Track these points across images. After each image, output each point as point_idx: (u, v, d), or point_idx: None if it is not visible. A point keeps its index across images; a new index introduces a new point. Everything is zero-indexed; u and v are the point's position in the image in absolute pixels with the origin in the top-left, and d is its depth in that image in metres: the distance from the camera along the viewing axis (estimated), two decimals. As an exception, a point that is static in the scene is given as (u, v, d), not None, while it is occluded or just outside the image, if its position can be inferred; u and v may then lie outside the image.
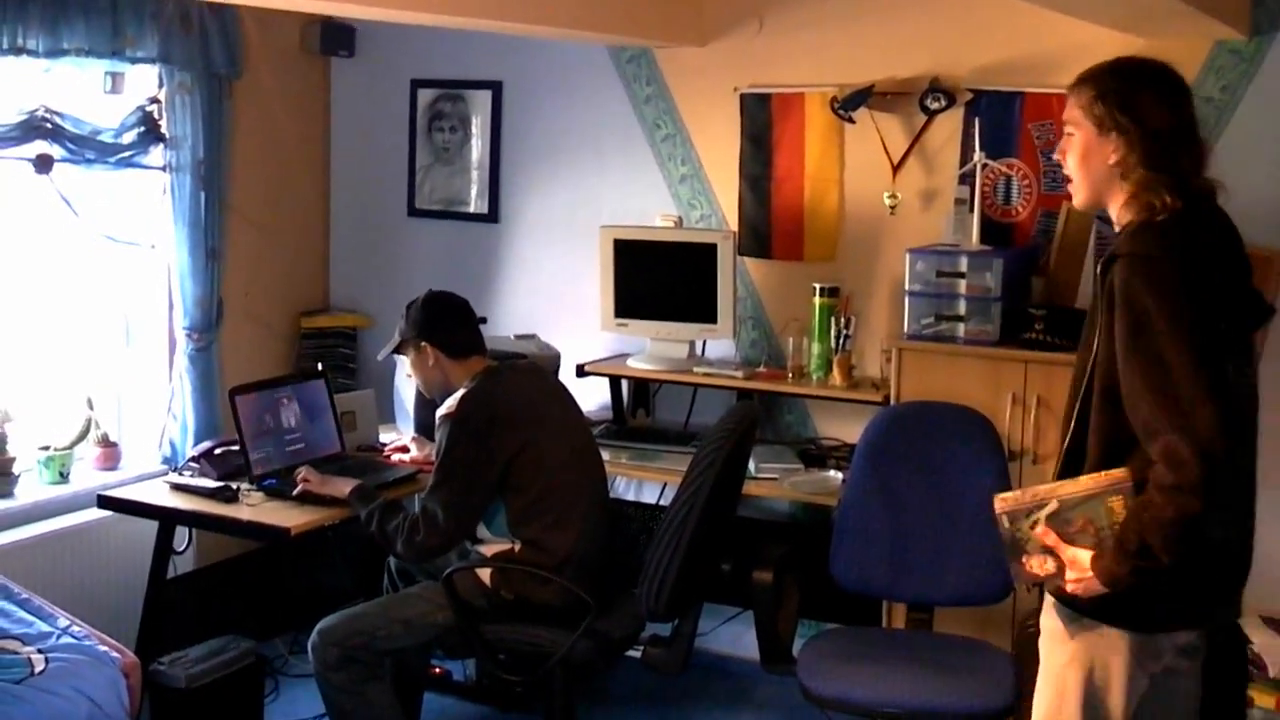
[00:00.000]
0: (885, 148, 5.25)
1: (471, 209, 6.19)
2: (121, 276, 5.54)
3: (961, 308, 4.77)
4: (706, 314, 5.41)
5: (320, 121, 6.40)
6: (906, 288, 4.87)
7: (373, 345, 6.03)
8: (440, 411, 4.35)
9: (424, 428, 5.14)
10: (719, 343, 5.57)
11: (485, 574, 4.31)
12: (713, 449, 4.13)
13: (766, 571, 4.29)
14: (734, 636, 5.55)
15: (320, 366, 5.51)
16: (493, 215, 6.14)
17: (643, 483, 5.70)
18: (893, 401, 4.82)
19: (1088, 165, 3.00)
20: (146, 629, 4.79)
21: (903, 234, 5.20)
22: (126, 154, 5.24)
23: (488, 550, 4.38)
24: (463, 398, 4.33)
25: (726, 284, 5.36)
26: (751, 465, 4.85)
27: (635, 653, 4.45)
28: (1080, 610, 2.91)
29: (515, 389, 4.45)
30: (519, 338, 5.57)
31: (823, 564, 4.52)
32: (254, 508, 4.62)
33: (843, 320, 5.20)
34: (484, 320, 4.73)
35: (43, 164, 4.92)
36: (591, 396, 5.67)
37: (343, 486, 4.54)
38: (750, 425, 4.37)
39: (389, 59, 6.28)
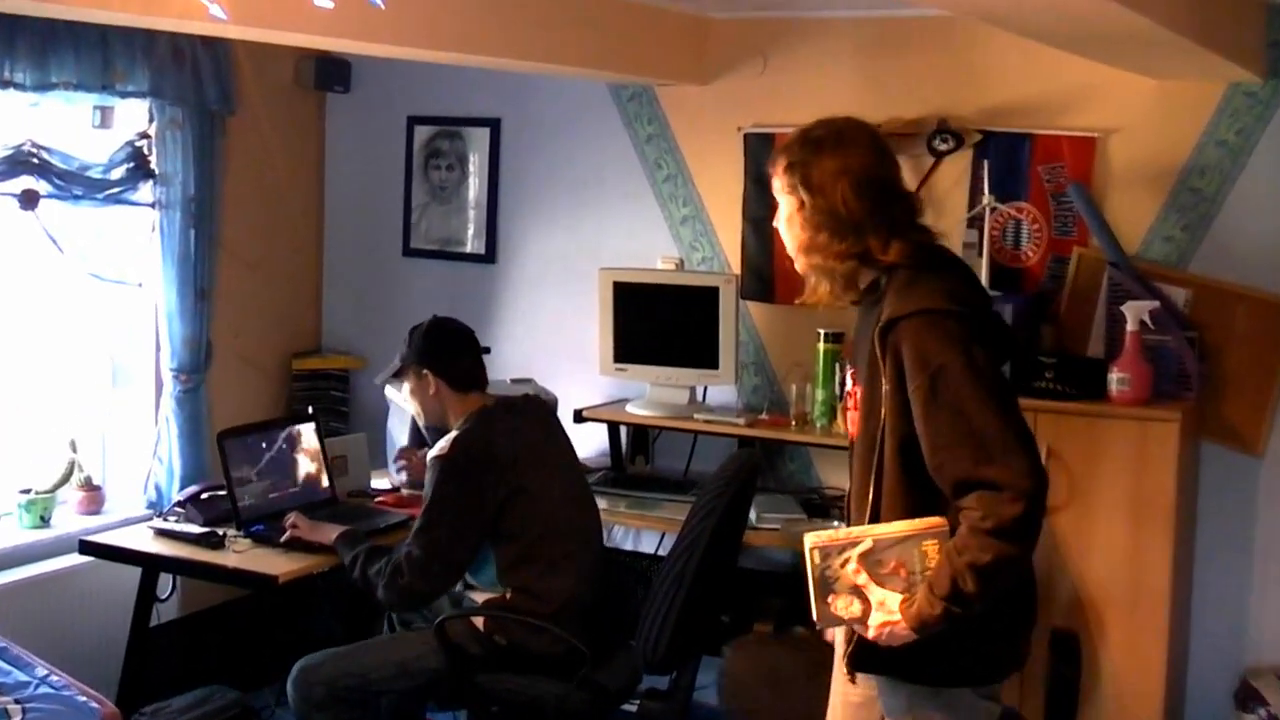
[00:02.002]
0: (892, 190, 5.25)
1: (468, 249, 6.19)
2: (108, 316, 5.53)
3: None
4: (708, 359, 5.41)
5: (314, 158, 6.41)
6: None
7: (366, 388, 6.03)
8: (432, 453, 4.34)
9: (414, 439, 5.14)
10: (720, 389, 5.56)
11: (479, 619, 4.29)
12: (713, 497, 4.12)
13: (767, 624, 4.27)
14: (734, 691, 5.51)
15: (311, 409, 5.49)
16: (490, 256, 6.15)
17: (641, 531, 5.68)
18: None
19: (793, 232, 3.01)
20: (128, 679, 4.76)
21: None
22: (115, 190, 5.24)
23: (479, 598, 4.36)
24: (455, 440, 4.32)
25: (728, 328, 5.36)
26: (752, 514, 4.82)
27: (631, 706, 4.42)
28: (906, 676, 2.91)
29: (510, 432, 4.43)
30: (515, 382, 5.55)
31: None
32: (241, 554, 4.60)
33: (848, 367, 5.17)
34: (487, 350, 4.72)
35: (28, 200, 4.91)
36: (589, 443, 5.66)
37: (331, 532, 4.52)
38: (751, 473, 4.36)
39: (385, 95, 6.29)
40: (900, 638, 2.79)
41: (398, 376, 4.63)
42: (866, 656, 2.92)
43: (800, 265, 3.01)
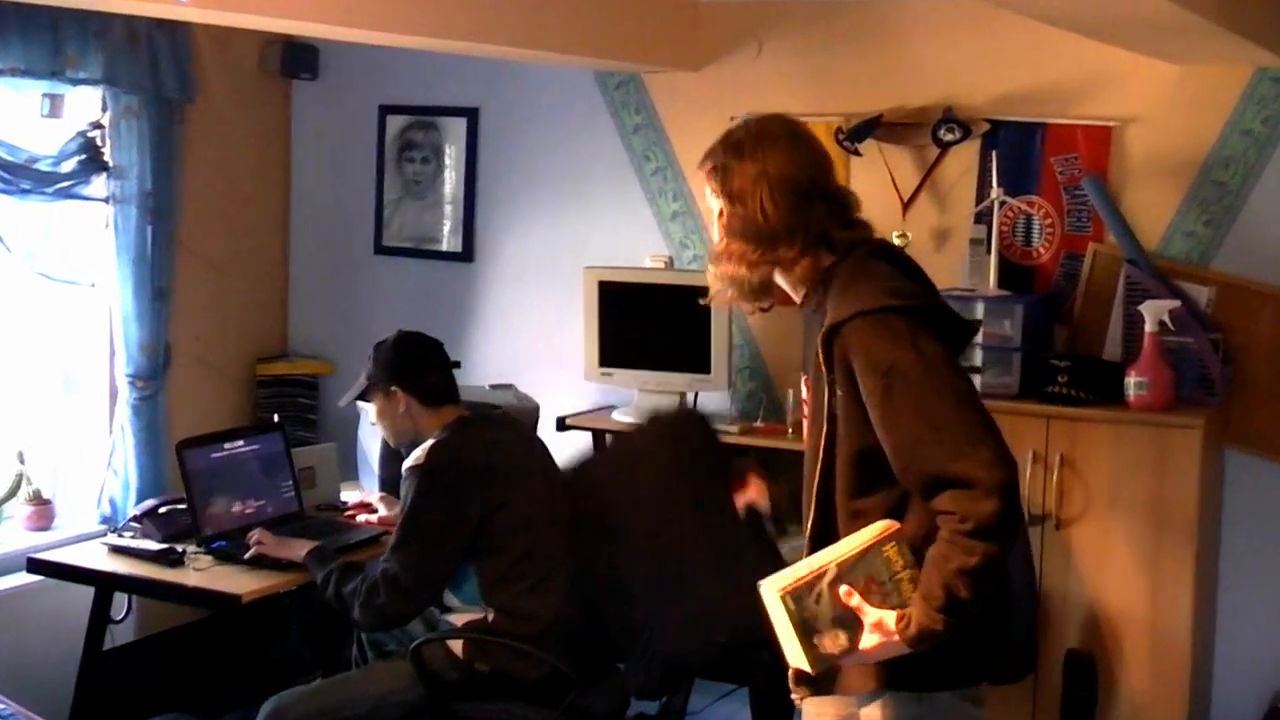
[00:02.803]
0: (894, 183, 5.25)
1: (444, 247, 6.18)
2: (59, 318, 5.50)
3: (978, 358, 4.76)
4: (699, 363, 5.40)
5: (280, 150, 6.39)
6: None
7: (335, 394, 5.98)
8: (407, 463, 4.31)
9: (390, 484, 5.09)
10: (713, 394, 5.55)
11: (458, 644, 4.26)
12: (705, 510, 4.08)
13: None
14: (728, 716, 5.49)
15: (277, 418, 5.47)
16: (467, 254, 6.13)
17: (629, 547, 5.64)
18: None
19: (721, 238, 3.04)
20: (80, 706, 4.72)
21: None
22: (65, 184, 5.21)
23: (459, 620, 4.33)
24: (432, 448, 4.29)
25: (721, 330, 5.35)
26: (748, 528, 4.79)
27: (620, 734, 4.40)
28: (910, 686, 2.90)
29: (491, 441, 4.42)
30: (495, 388, 5.54)
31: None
32: (202, 572, 4.56)
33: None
34: (458, 364, 4.71)
35: (-28, 195, 4.90)
36: (573, 452, 5.60)
37: (299, 549, 4.49)
38: (746, 485, 4.32)
39: (355, 82, 6.28)
40: (894, 653, 2.78)
41: (363, 397, 4.60)
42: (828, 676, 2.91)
43: (712, 270, 3.03)
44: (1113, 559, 4.58)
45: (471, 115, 6.09)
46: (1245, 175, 4.83)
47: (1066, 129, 5.03)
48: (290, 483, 5.11)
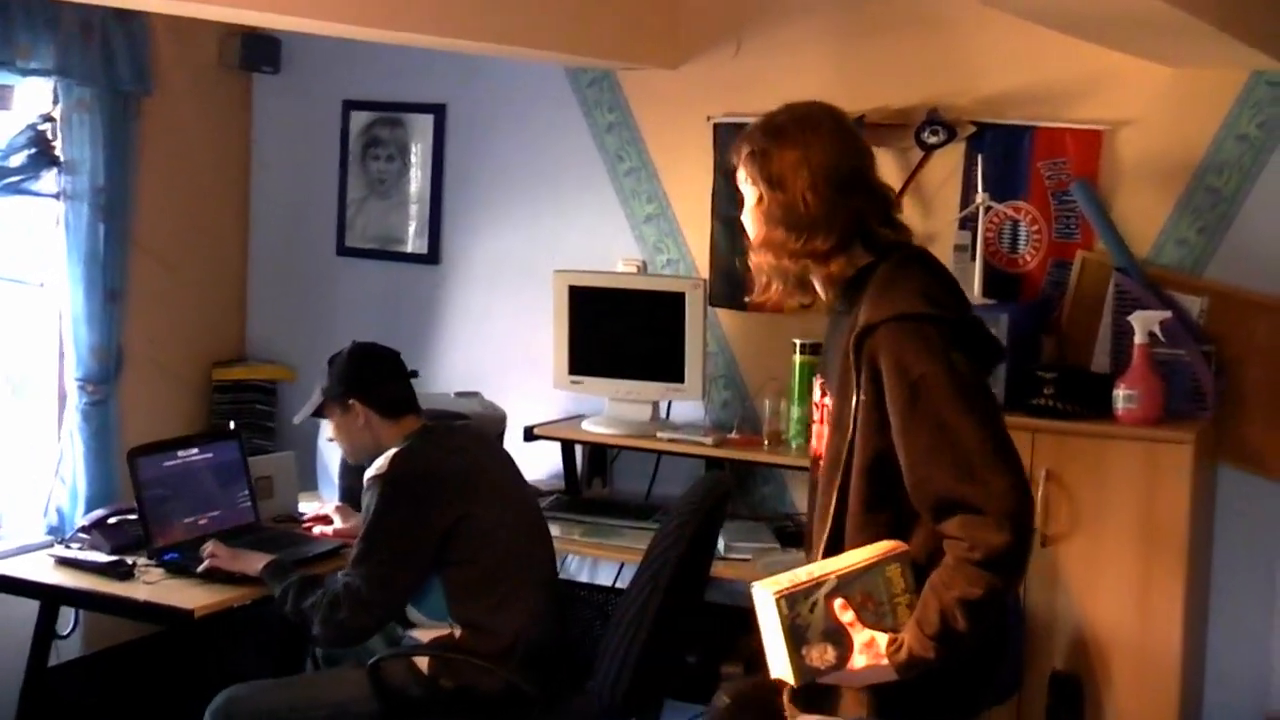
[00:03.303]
0: (877, 186, 5.23)
1: (409, 248, 6.17)
2: (6, 319, 5.47)
3: (961, 368, 4.72)
4: (673, 372, 5.38)
5: (239, 146, 6.37)
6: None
7: (294, 401, 5.96)
8: (369, 472, 4.29)
9: (350, 496, 5.08)
10: (686, 404, 5.53)
11: (423, 659, 4.24)
12: (677, 525, 4.09)
13: (736, 664, 4.26)
14: (700, 739, 5.49)
15: (234, 425, 5.44)
16: (433, 256, 6.12)
17: (598, 562, 5.66)
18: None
19: (754, 226, 3.03)
20: (24, 725, 4.70)
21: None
22: (14, 179, 5.19)
23: (423, 635, 4.31)
24: (395, 456, 4.27)
25: (696, 338, 5.33)
26: (721, 544, 4.80)
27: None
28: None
29: (456, 449, 4.41)
30: (460, 395, 5.52)
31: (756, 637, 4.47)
32: (152, 586, 4.54)
33: (817, 377, 5.14)
34: (415, 374, 4.69)
35: (-84, 189, 4.88)
36: (541, 463, 5.63)
37: (255, 561, 4.47)
38: (720, 498, 4.34)
39: (319, 77, 6.26)
40: (880, 679, 2.78)
41: (320, 413, 4.59)
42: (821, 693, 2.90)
43: (752, 261, 3.03)
44: (1100, 578, 4.56)
45: (439, 112, 6.07)
46: (1240, 181, 4.83)
47: (1055, 132, 5.02)
48: (246, 493, 5.09)
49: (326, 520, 5.13)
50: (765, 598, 2.78)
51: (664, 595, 4.00)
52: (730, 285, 5.52)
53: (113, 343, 5.55)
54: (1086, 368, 4.87)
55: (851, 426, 2.88)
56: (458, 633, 4.25)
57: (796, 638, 2.77)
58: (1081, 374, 4.78)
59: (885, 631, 2.76)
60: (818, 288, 3.02)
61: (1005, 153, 5.09)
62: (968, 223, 5.05)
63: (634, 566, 4.21)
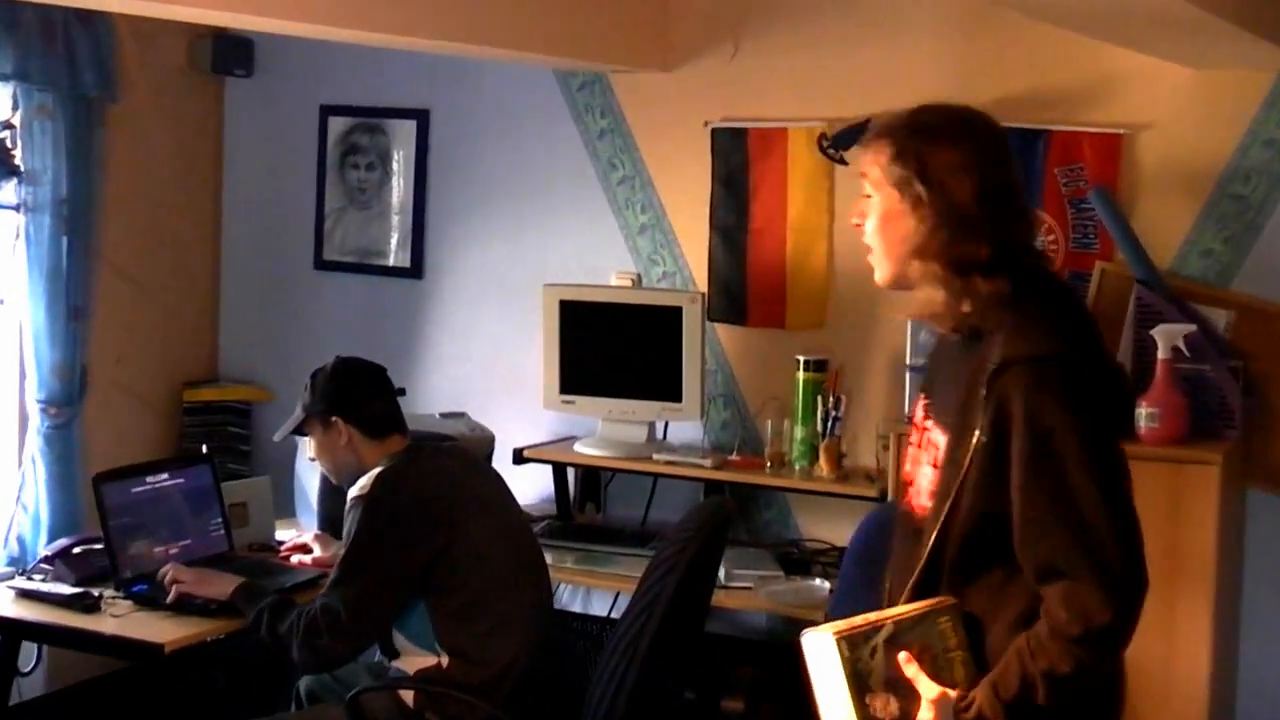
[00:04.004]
0: (884, 194, 5.23)
1: (391, 261, 6.17)
2: (-38, 338, 5.47)
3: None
4: (669, 390, 5.38)
5: (211, 155, 6.37)
6: (908, 362, 4.89)
7: (269, 423, 5.96)
8: (351, 493, 4.29)
9: (330, 523, 5.07)
10: (684, 425, 5.53)
11: (409, 692, 4.23)
12: (675, 551, 4.08)
13: (738, 700, 4.25)
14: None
15: (205, 449, 5.44)
16: (416, 270, 6.13)
17: (591, 591, 5.66)
18: (890, 497, 4.77)
19: (896, 233, 2.90)
20: (-16, 767, 4.68)
21: (904, 297, 5.12)
22: (-29, 190, 5.19)
23: (409, 666, 4.30)
24: (379, 476, 4.27)
25: (693, 355, 5.33)
26: (721, 572, 4.78)
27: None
28: None
29: (443, 470, 4.41)
30: (446, 416, 5.52)
31: (805, 691, 4.44)
32: (120, 619, 4.51)
33: (831, 400, 5.16)
34: (402, 392, 4.69)
35: None
36: (532, 487, 5.63)
37: (225, 585, 4.46)
38: (720, 524, 4.33)
39: (295, 81, 6.27)
40: None
41: (301, 431, 4.58)
42: None
43: (911, 272, 2.88)
44: (1121, 607, 4.54)
45: (422, 118, 6.07)
46: (1268, 188, 4.83)
47: (1072, 137, 5.02)
48: (220, 520, 5.06)
49: (305, 549, 5.11)
50: (823, 641, 2.73)
51: (660, 625, 3.98)
52: (729, 299, 5.52)
53: (77, 362, 5.54)
54: (1107, 384, 4.86)
55: (966, 464, 2.80)
56: (445, 662, 4.24)
57: (860, 684, 2.72)
58: (1102, 391, 4.77)
59: (947, 667, 2.74)
60: (941, 307, 2.89)
61: (1019, 159, 5.00)
62: (980, 232, 5.04)
63: (629, 595, 4.20)
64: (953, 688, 2.73)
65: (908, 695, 2.73)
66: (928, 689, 2.73)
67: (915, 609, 2.78)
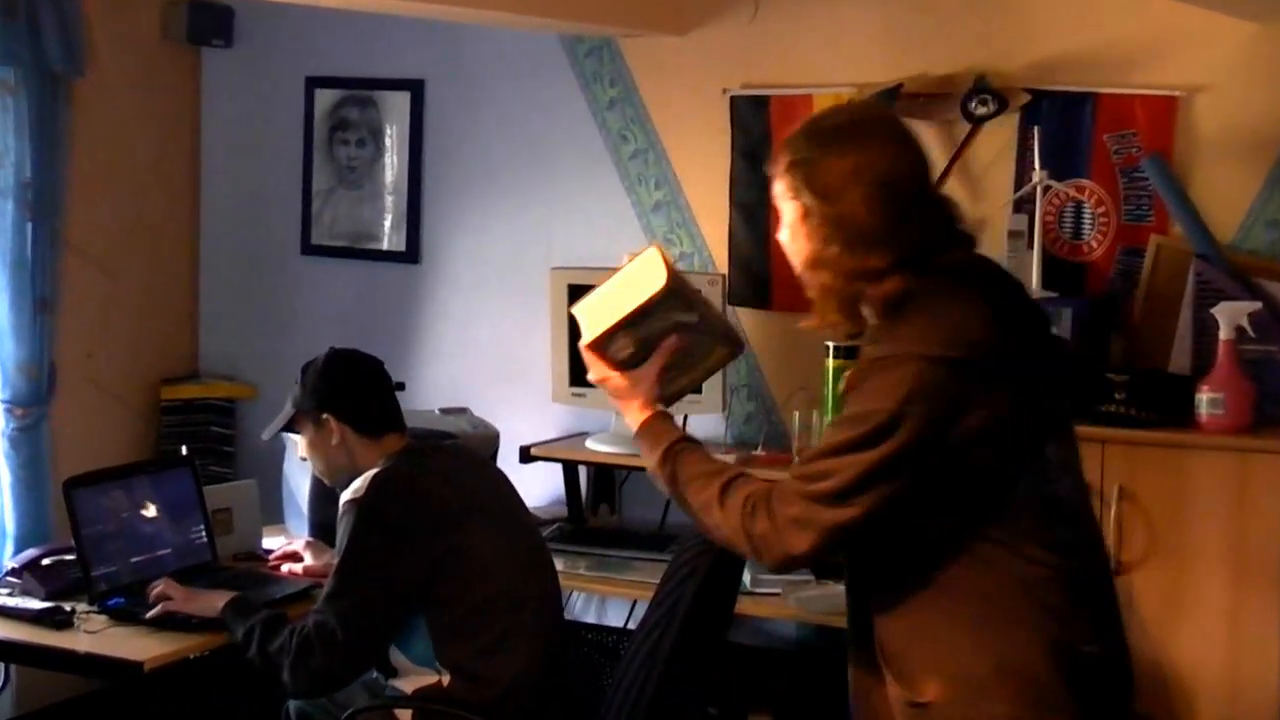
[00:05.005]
0: (918, 165, 5.22)
1: (385, 245, 6.19)
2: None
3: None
4: (689, 381, 5.35)
5: (188, 132, 6.39)
6: (948, 345, 4.82)
7: (254, 422, 5.97)
8: (344, 497, 4.28)
9: (322, 530, 5.07)
10: (704, 418, 5.51)
11: (406, 712, 4.24)
12: (695, 555, 4.07)
13: (765, 714, 4.24)
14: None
15: (185, 451, 5.44)
16: (412, 254, 6.14)
17: (606, 599, 5.68)
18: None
19: (796, 245, 3.07)
20: (-50, 795, 4.69)
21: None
22: (-72, 172, 5.21)
23: (407, 685, 4.30)
24: (374, 479, 4.26)
25: (714, 342, 5.31)
26: (746, 577, 4.81)
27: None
28: None
29: (443, 472, 4.40)
30: (446, 412, 5.52)
31: (837, 703, 4.43)
32: (95, 635, 4.50)
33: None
34: (401, 386, 4.69)
35: None
36: (540, 488, 5.64)
37: (215, 601, 4.45)
38: (745, 525, 4.30)
39: (278, 51, 6.29)
40: (624, 408, 3.24)
41: (291, 428, 4.57)
42: None
43: (808, 285, 3.07)
44: (1183, 609, 4.55)
45: (416, 89, 6.08)
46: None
47: (1123, 100, 5.02)
48: (202, 528, 5.06)
49: (295, 557, 5.11)
50: (656, 263, 3.11)
51: (679, 635, 3.99)
52: (752, 281, 5.51)
53: (44, 359, 5.56)
54: (1164, 369, 4.84)
55: None
56: (445, 680, 4.23)
57: (634, 318, 3.14)
58: (1158, 376, 4.76)
59: (669, 382, 3.19)
60: (866, 313, 3.04)
61: (1065, 124, 5.09)
62: (1023, 205, 5.05)
63: (646, 603, 4.21)
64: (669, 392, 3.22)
65: (638, 360, 3.19)
66: (648, 372, 3.19)
67: (718, 325, 3.34)
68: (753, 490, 2.95)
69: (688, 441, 3.12)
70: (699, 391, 5.31)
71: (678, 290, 3.11)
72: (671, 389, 3.24)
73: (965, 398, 2.82)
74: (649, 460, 3.13)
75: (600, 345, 3.21)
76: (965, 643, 2.90)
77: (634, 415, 3.19)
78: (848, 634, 3.12)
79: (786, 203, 3.03)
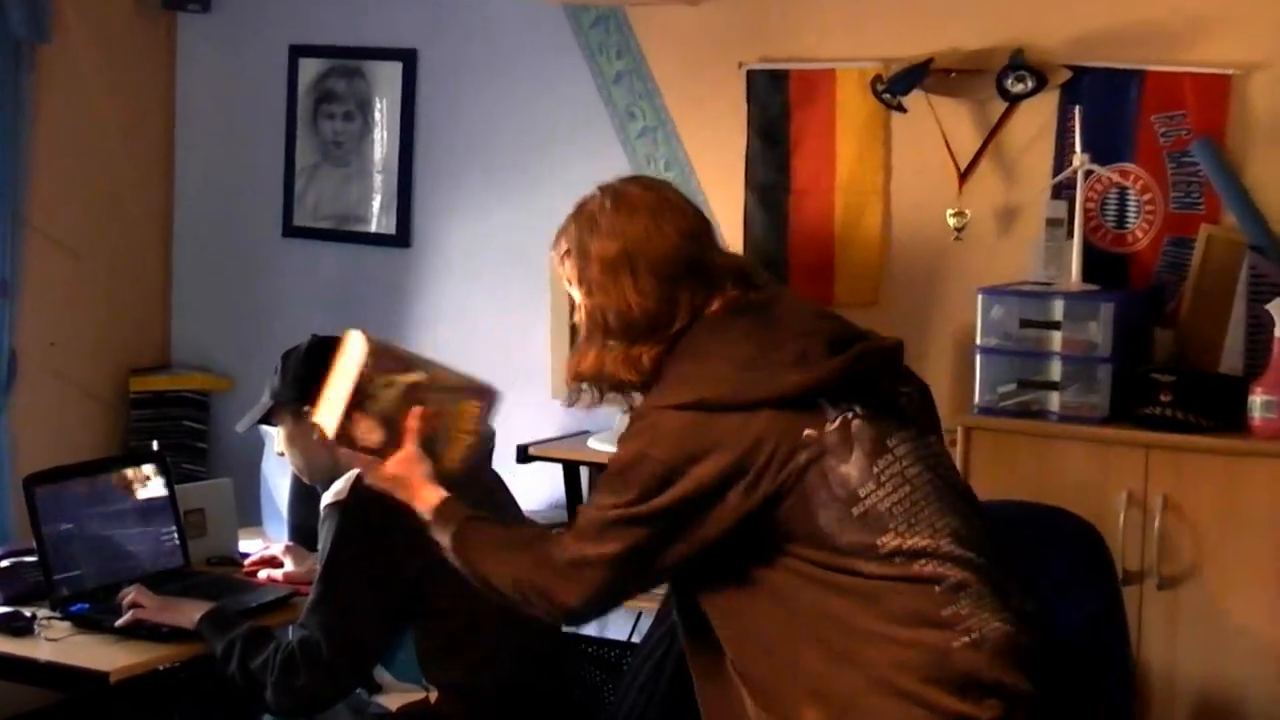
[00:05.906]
0: (948, 147, 5.24)
1: (373, 228, 6.21)
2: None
3: (1056, 371, 4.77)
4: (698, 377, 5.35)
5: (161, 104, 6.40)
6: (978, 342, 4.89)
7: (230, 417, 5.95)
8: (326, 499, 4.28)
9: (303, 533, 5.06)
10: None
11: (394, 730, 4.27)
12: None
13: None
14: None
15: (157, 446, 5.43)
16: (402, 237, 6.15)
17: (608, 612, 5.63)
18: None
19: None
20: (-100, 815, 4.68)
21: (972, 267, 5.19)
22: (-118, 147, 5.23)
23: (391, 702, 4.31)
24: (358, 480, 4.23)
25: (726, 335, 5.31)
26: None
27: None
28: None
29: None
30: (436, 408, 5.51)
31: None
32: (57, 643, 4.49)
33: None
34: (389, 379, 4.68)
35: None
36: (539, 490, 5.65)
37: (191, 611, 4.44)
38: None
39: (260, 17, 6.30)
40: (401, 493, 3.33)
41: (268, 420, 4.57)
42: None
43: (570, 369, 3.27)
44: (1231, 626, 4.54)
45: (408, 59, 6.09)
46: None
47: (1171, 79, 5.00)
48: (173, 529, 5.04)
49: (274, 563, 5.10)
50: (358, 340, 3.29)
51: (683, 654, 3.96)
52: (768, 267, 5.47)
53: (3, 347, 5.62)
54: (1213, 369, 4.85)
55: None
56: (433, 697, 4.23)
57: (359, 397, 3.27)
58: (1207, 377, 4.77)
59: (433, 456, 3.30)
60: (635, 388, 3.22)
61: (1108, 104, 5.08)
62: (1063, 191, 5.05)
63: (651, 615, 4.20)
64: (442, 463, 3.33)
65: (393, 441, 3.30)
66: (409, 450, 3.29)
67: (459, 381, 3.41)
68: (537, 549, 3.19)
69: (479, 520, 3.31)
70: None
71: (384, 353, 3.32)
72: (447, 462, 3.38)
73: (703, 442, 2.95)
74: (444, 545, 3.32)
75: (346, 439, 3.33)
76: (828, 666, 2.96)
77: (424, 504, 3.31)
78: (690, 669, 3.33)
79: (571, 289, 3.21)
